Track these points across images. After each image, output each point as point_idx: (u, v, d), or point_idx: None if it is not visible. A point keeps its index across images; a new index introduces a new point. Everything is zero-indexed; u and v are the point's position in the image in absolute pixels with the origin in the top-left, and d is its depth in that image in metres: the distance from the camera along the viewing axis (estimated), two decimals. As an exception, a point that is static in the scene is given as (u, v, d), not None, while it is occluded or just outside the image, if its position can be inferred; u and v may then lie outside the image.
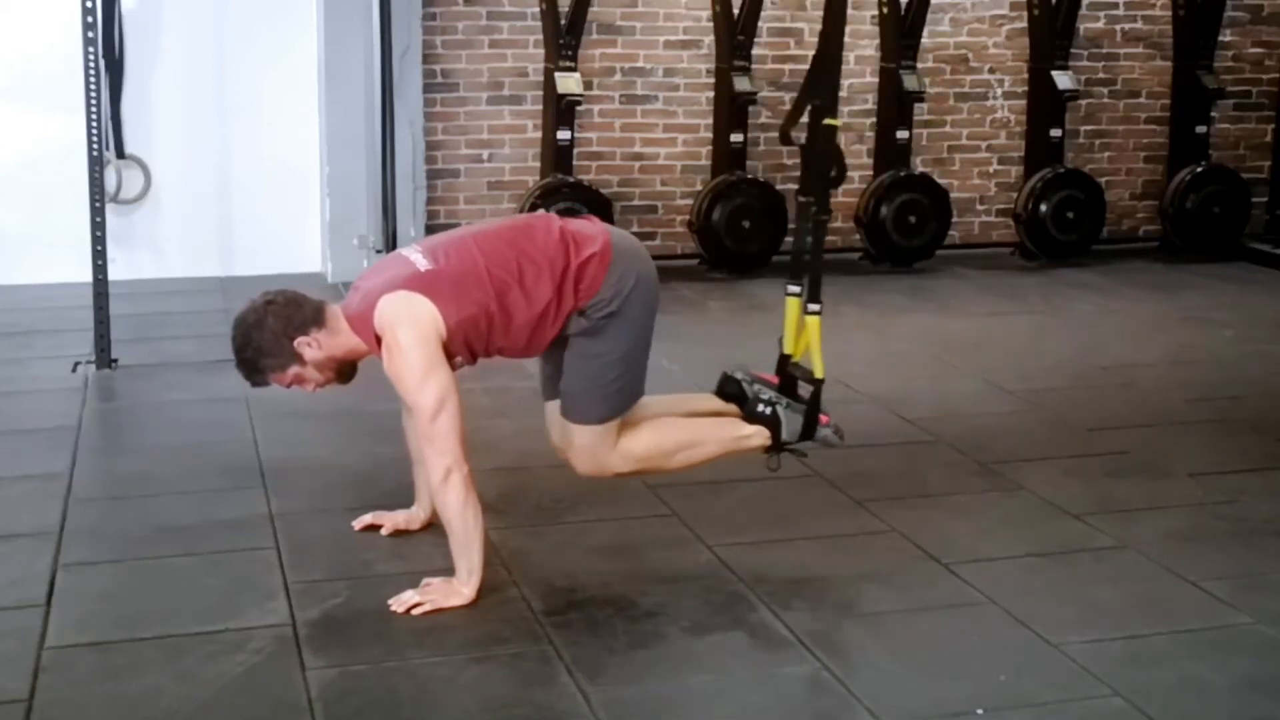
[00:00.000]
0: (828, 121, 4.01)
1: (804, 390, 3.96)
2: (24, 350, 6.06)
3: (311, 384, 3.68)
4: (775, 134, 8.10)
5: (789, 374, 4.02)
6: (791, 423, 3.91)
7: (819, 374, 3.92)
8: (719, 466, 4.52)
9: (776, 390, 3.98)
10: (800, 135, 4.09)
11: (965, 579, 3.72)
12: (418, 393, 3.45)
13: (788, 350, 4.04)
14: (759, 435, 3.92)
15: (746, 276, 7.74)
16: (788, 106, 8.04)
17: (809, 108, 4.04)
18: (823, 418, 3.96)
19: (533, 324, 3.61)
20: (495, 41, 7.70)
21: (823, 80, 4.07)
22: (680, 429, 3.87)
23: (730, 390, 3.99)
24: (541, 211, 3.83)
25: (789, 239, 7.93)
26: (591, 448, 3.74)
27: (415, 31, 7.47)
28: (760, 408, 3.91)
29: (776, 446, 3.94)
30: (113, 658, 3.24)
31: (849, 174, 8.08)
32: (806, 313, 3.98)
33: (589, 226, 3.73)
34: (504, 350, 3.67)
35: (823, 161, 4.04)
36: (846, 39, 7.99)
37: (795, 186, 8.16)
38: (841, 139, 3.91)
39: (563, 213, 7.10)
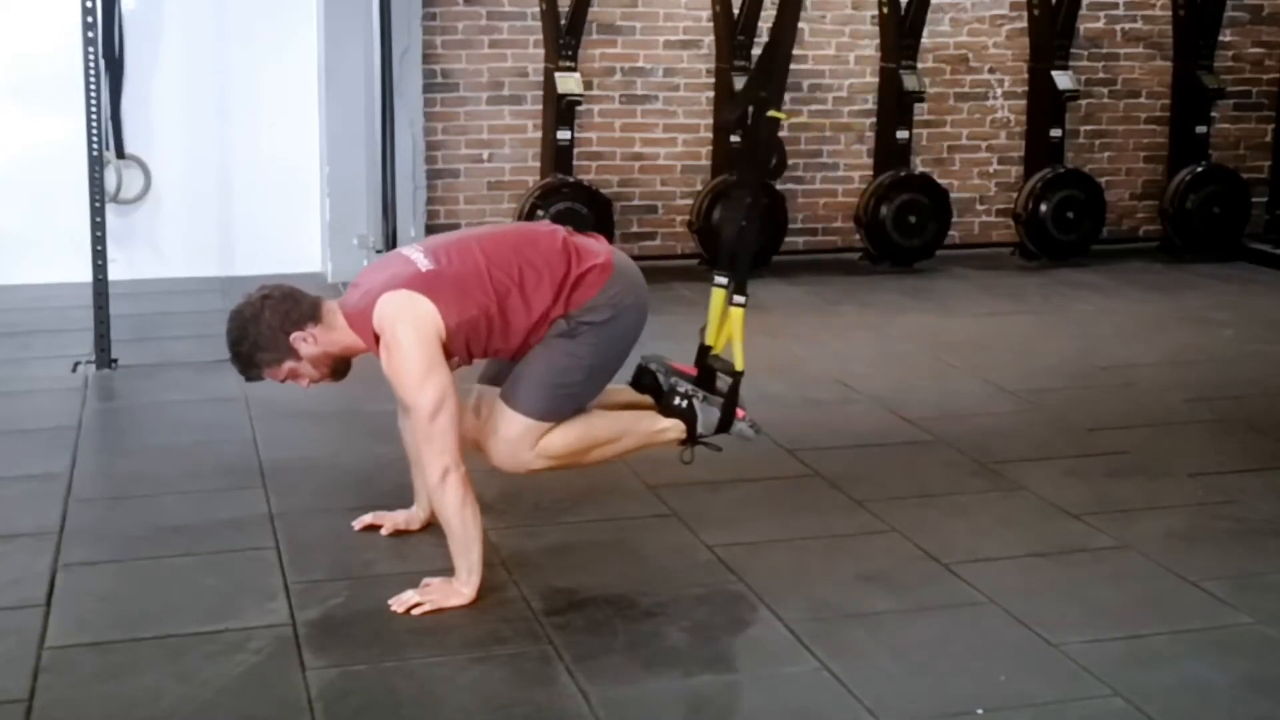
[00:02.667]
0: (772, 113, 3.97)
1: (723, 383, 3.94)
2: (24, 350, 6.06)
3: (306, 379, 3.68)
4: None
5: (708, 366, 3.99)
6: (707, 415, 3.89)
7: (739, 366, 3.91)
8: (718, 466, 4.52)
9: (693, 382, 3.94)
10: (735, 123, 4.05)
11: (965, 579, 3.72)
12: (417, 392, 3.45)
13: (709, 342, 4.00)
14: (675, 429, 3.90)
15: (746, 276, 7.73)
16: (788, 106, 8.10)
17: (754, 99, 4.00)
18: (739, 411, 3.93)
19: (529, 329, 3.61)
20: (495, 41, 7.70)
21: (771, 72, 4.04)
22: (597, 425, 3.81)
23: (646, 382, 3.95)
24: (548, 222, 3.81)
25: (789, 238, 7.98)
26: (515, 440, 3.67)
27: (415, 31, 7.47)
28: (676, 400, 3.88)
29: (691, 439, 3.92)
30: (113, 658, 3.24)
31: (850, 174, 8.23)
32: (731, 304, 3.95)
33: (594, 243, 3.73)
34: (499, 352, 3.67)
35: (763, 152, 4.00)
36: (846, 39, 8.16)
37: (795, 186, 8.25)
38: (784, 130, 3.78)
39: (562, 214, 7.24)
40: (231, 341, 3.63)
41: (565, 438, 3.72)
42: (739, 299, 3.94)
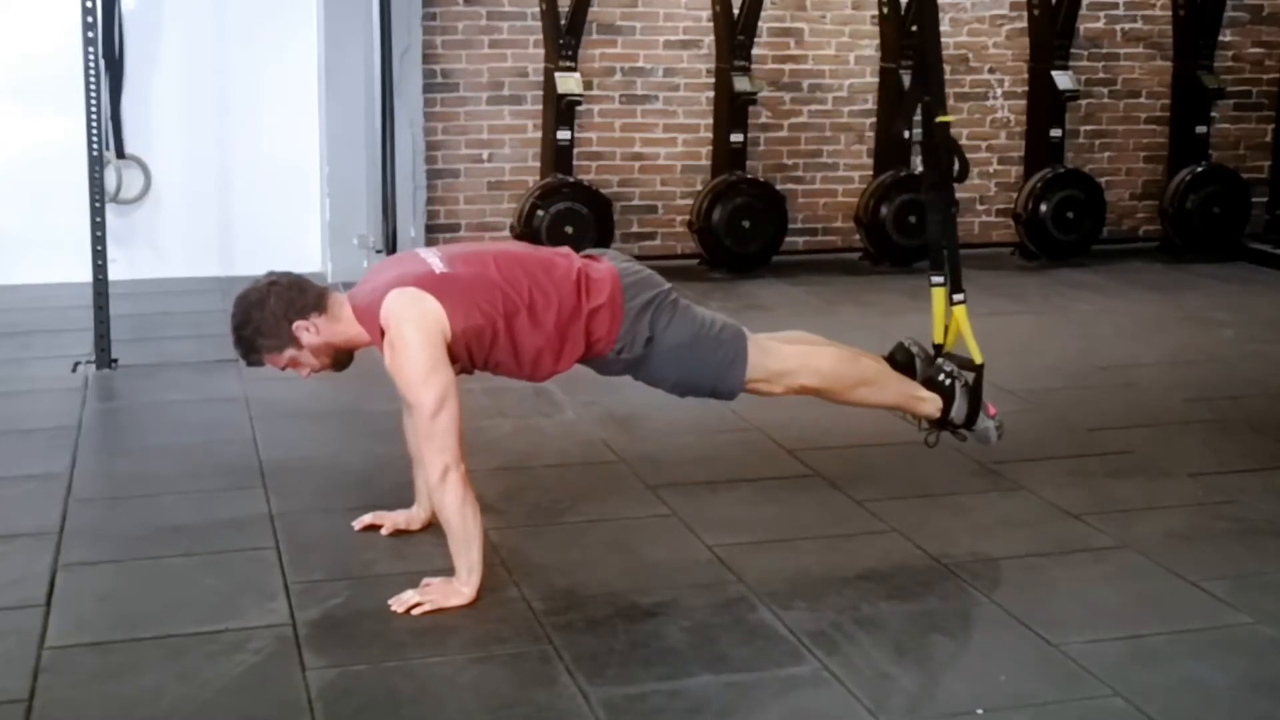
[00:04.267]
0: (940, 119, 4.18)
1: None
2: (24, 350, 6.06)
3: (306, 369, 3.68)
4: (775, 134, 8.13)
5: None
6: (960, 403, 4.07)
7: (978, 359, 4.10)
8: (716, 466, 4.54)
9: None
10: (907, 132, 4.30)
11: (965, 579, 3.72)
12: (419, 390, 3.45)
13: (937, 340, 4.23)
14: (932, 402, 4.08)
15: (746, 276, 7.74)
16: (788, 106, 8.13)
17: (920, 105, 4.21)
18: (990, 408, 4.11)
19: (534, 353, 3.61)
20: (495, 41, 7.70)
21: (930, 78, 4.21)
22: (865, 365, 3.99)
23: (900, 359, 4.13)
24: (564, 248, 3.84)
25: (789, 238, 7.98)
26: (764, 381, 3.83)
27: (415, 31, 7.48)
28: (941, 377, 4.07)
29: (942, 421, 4.09)
30: (113, 658, 3.24)
31: (850, 174, 8.23)
32: (952, 303, 4.17)
33: (599, 269, 3.71)
34: (500, 366, 3.67)
35: (944, 156, 4.17)
36: (846, 39, 8.16)
37: (795, 186, 8.25)
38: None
39: (562, 214, 7.25)
40: (235, 326, 3.63)
41: (830, 361, 3.90)
42: (958, 297, 4.19)
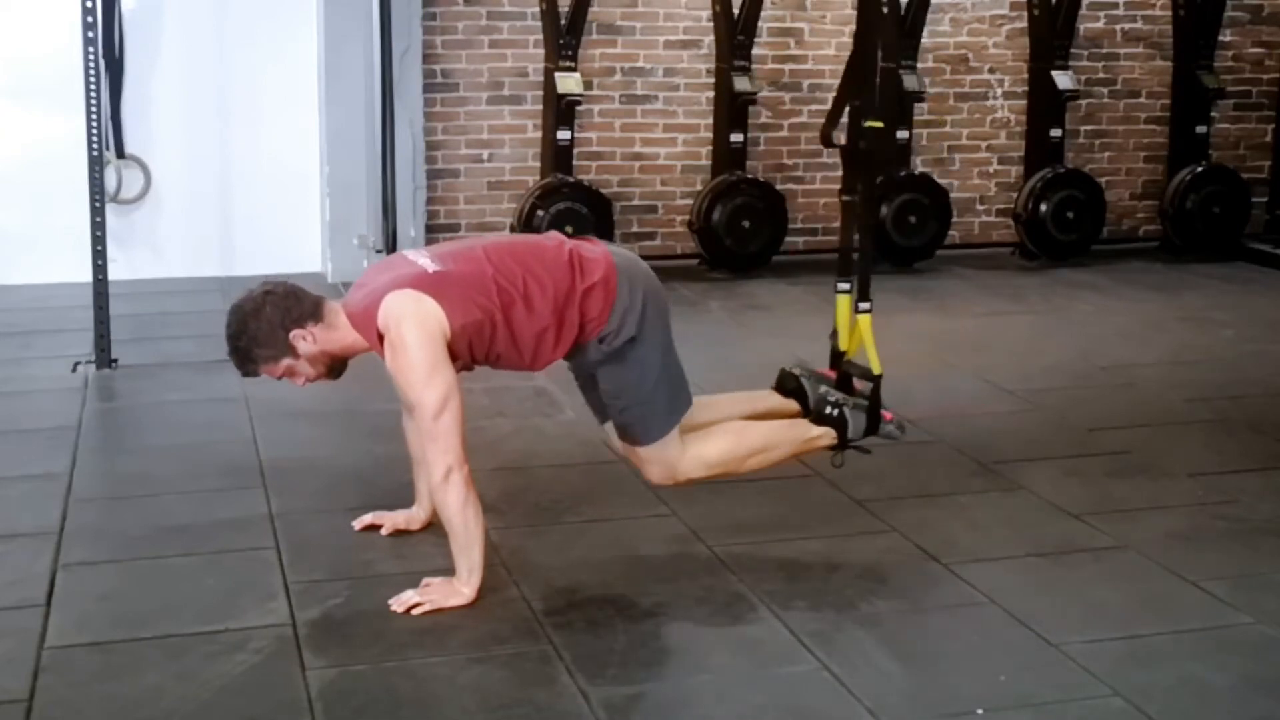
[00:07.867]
0: (869, 123, 4.07)
1: (859, 385, 4.08)
2: (24, 350, 6.06)
3: (302, 378, 3.67)
4: (775, 134, 8.13)
5: (844, 371, 4.12)
6: (856, 421, 4.01)
7: (877, 370, 4.04)
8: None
9: (835, 386, 4.08)
10: (839, 136, 4.20)
11: (965, 579, 3.72)
12: (422, 390, 3.45)
13: (841, 347, 4.15)
14: (826, 435, 4.02)
15: (746, 276, 7.74)
16: (788, 106, 8.13)
17: (848, 109, 4.14)
18: (885, 414, 4.06)
19: (534, 340, 3.61)
20: (495, 41, 7.70)
21: (861, 81, 4.13)
22: (752, 434, 3.91)
23: (790, 386, 4.08)
24: (552, 233, 3.84)
25: (789, 238, 7.98)
26: (660, 460, 3.79)
27: (415, 31, 7.47)
28: (827, 409, 4.01)
29: (842, 445, 4.04)
30: (113, 658, 3.25)
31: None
32: (857, 311, 4.10)
33: (592, 250, 3.72)
34: (502, 358, 3.66)
35: (865, 161, 4.13)
36: (846, 39, 8.13)
37: (795, 186, 8.25)
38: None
39: (562, 214, 7.24)
40: (230, 335, 3.63)
41: (719, 446, 3.83)
42: (864, 305, 4.10)
